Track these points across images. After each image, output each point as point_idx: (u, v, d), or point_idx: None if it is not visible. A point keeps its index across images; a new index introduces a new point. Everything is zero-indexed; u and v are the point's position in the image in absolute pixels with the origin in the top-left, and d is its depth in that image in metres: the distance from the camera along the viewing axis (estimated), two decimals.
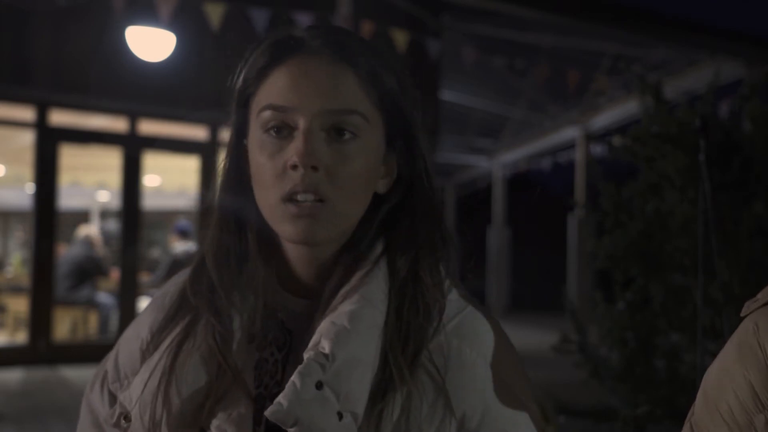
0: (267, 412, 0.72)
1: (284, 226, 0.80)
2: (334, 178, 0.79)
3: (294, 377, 0.74)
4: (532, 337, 7.83)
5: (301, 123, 0.78)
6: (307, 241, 0.80)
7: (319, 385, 0.73)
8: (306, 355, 0.76)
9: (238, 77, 0.85)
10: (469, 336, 0.82)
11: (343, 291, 0.80)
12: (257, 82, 0.83)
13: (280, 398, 0.73)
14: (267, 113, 0.80)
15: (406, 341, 0.78)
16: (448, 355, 0.79)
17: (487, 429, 0.79)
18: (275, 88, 0.80)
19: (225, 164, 0.87)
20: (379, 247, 0.84)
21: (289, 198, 0.78)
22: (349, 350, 0.75)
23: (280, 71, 0.81)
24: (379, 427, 0.76)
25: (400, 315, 0.79)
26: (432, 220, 0.85)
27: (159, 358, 0.84)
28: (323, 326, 0.77)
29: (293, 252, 0.85)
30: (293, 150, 0.78)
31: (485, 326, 0.84)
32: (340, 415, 0.73)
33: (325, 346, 0.75)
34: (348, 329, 0.76)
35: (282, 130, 0.80)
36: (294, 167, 0.77)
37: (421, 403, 0.77)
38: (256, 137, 0.82)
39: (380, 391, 0.76)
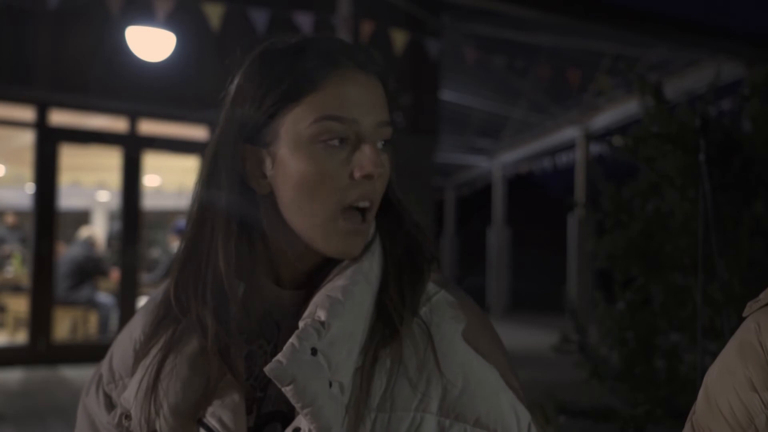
0: (266, 369, 0.75)
1: (337, 241, 0.82)
2: (380, 185, 0.85)
3: (292, 339, 0.77)
4: (532, 337, 7.82)
5: (366, 135, 0.82)
6: (351, 256, 0.84)
7: (314, 351, 0.76)
8: (302, 323, 0.79)
9: (260, 85, 0.83)
10: (448, 312, 0.85)
11: (336, 269, 0.84)
12: (307, 86, 0.81)
13: (279, 356, 0.75)
14: (327, 124, 0.80)
15: (403, 296, 0.83)
16: (429, 328, 0.83)
17: (467, 397, 0.81)
18: (333, 100, 0.81)
19: (213, 165, 0.85)
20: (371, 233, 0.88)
21: (351, 206, 0.82)
22: (343, 322, 0.78)
23: (335, 81, 0.81)
24: (368, 401, 0.78)
25: (397, 277, 0.84)
26: (412, 211, 0.91)
27: (153, 356, 0.86)
28: (318, 298, 0.81)
29: (297, 254, 0.86)
30: (365, 160, 0.81)
31: (464, 305, 0.87)
32: (330, 384, 0.76)
33: (321, 315, 0.78)
34: (342, 302, 0.79)
35: (341, 141, 0.81)
36: (367, 176, 0.81)
37: (413, 352, 0.81)
38: (301, 146, 0.81)
39: (372, 350, 0.80)
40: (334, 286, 0.81)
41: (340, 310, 0.79)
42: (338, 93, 0.81)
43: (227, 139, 0.84)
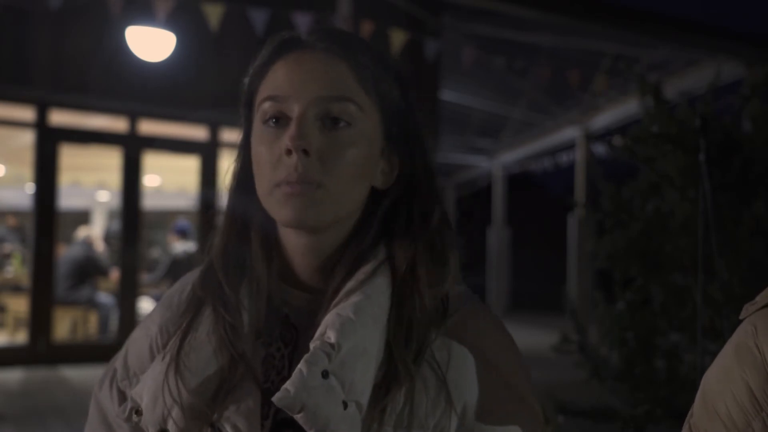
0: (274, 398, 0.74)
1: (279, 209, 0.81)
2: (328, 164, 0.80)
3: (301, 365, 0.75)
4: (532, 337, 7.82)
5: (296, 110, 0.81)
6: (301, 223, 0.81)
7: (325, 374, 0.75)
8: (312, 345, 0.77)
9: (245, 78, 0.88)
10: (471, 331, 0.83)
11: (348, 286, 0.81)
12: (259, 80, 0.86)
13: (287, 385, 0.74)
14: (266, 104, 0.83)
15: (409, 338, 0.80)
16: (450, 350, 0.81)
17: (486, 417, 0.80)
18: (273, 81, 0.84)
19: (234, 166, 0.90)
20: (383, 244, 0.85)
21: (280, 182, 0.81)
22: (354, 341, 0.77)
23: (278, 66, 0.84)
24: (383, 419, 0.77)
25: (401, 312, 0.81)
26: (433, 217, 0.86)
27: (168, 351, 0.86)
28: (329, 318, 0.79)
29: (295, 243, 0.86)
30: (285, 136, 0.80)
31: (486, 322, 0.86)
32: (345, 404, 0.74)
33: (331, 336, 0.77)
34: (353, 320, 0.77)
35: (279, 120, 0.82)
36: (288, 152, 0.80)
37: (423, 397, 0.79)
38: (257, 130, 0.85)
39: (384, 384, 0.78)
40: (345, 303, 0.80)
41: (350, 328, 0.77)
42: (276, 76, 0.84)
43: (241, 138, 0.90)
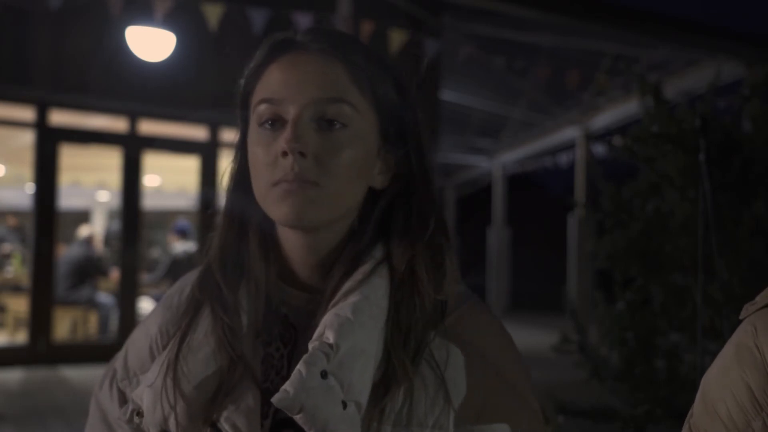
0: (273, 399, 0.74)
1: (276, 208, 0.81)
2: (324, 165, 0.81)
3: (300, 366, 0.75)
4: (532, 337, 7.82)
5: (291, 113, 0.81)
6: (298, 221, 0.81)
7: (324, 374, 0.75)
8: (311, 345, 0.77)
9: (241, 80, 0.88)
10: (469, 330, 0.83)
11: (345, 286, 0.82)
12: (254, 81, 0.86)
13: (286, 386, 0.75)
14: (261, 107, 0.83)
15: (407, 338, 0.80)
16: (448, 349, 0.81)
17: (485, 416, 0.80)
18: (268, 83, 0.84)
19: (231, 167, 0.90)
20: (381, 244, 0.85)
21: (277, 183, 0.81)
22: (353, 341, 0.77)
23: (273, 68, 0.84)
24: (382, 418, 0.77)
25: (400, 312, 0.81)
26: (430, 217, 0.86)
27: (167, 353, 0.86)
28: (327, 318, 0.79)
29: (293, 242, 0.86)
30: (281, 138, 0.80)
31: (485, 321, 0.86)
32: (344, 404, 0.75)
33: (330, 337, 0.77)
34: (351, 320, 0.78)
35: (275, 123, 0.82)
36: (284, 154, 0.80)
37: (422, 395, 0.79)
38: (253, 132, 0.85)
39: (383, 384, 0.78)
40: (344, 303, 0.80)
41: (349, 328, 0.77)
42: (270, 78, 0.84)
43: (237, 139, 0.90)
